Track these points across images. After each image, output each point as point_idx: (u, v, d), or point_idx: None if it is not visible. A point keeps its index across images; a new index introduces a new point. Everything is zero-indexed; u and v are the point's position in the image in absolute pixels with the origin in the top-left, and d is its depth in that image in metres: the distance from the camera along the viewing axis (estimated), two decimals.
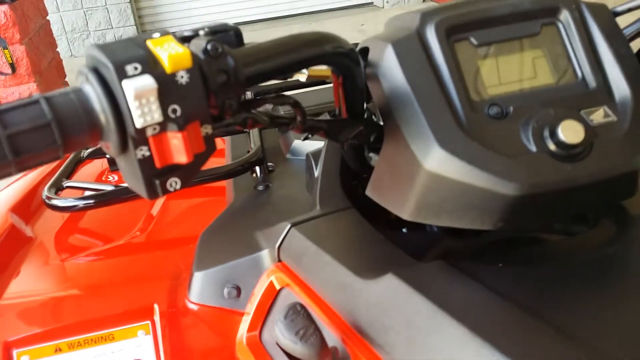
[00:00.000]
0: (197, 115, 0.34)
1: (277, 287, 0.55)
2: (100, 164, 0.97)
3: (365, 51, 0.47)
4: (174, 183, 0.35)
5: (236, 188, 0.77)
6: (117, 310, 0.61)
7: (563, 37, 0.46)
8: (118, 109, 0.32)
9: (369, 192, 0.51)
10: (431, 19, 0.44)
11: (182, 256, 0.67)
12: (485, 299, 0.40)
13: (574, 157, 0.41)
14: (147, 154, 0.33)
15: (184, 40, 0.36)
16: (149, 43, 0.33)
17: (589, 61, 0.45)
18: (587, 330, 0.37)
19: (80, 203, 0.70)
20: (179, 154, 0.33)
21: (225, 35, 0.38)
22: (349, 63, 0.45)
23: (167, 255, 0.72)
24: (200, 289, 0.60)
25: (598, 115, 0.43)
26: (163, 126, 0.33)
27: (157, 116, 0.32)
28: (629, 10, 0.51)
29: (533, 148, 0.41)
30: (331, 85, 0.49)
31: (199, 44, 0.35)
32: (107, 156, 0.82)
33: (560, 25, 0.46)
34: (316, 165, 0.66)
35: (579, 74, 0.45)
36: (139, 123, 0.32)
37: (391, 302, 0.43)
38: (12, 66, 2.94)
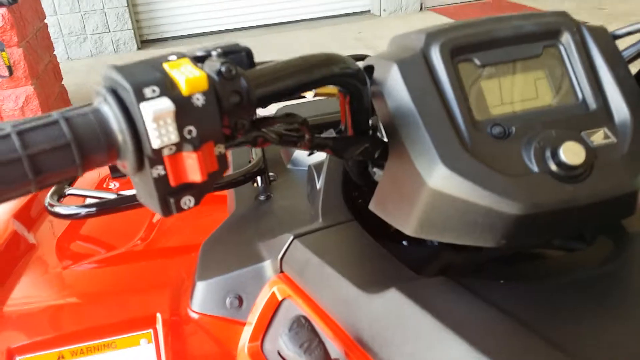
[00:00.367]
0: (211, 136, 0.35)
1: (279, 298, 0.56)
2: (102, 170, 0.98)
3: (370, 69, 0.48)
4: (188, 201, 0.35)
5: (238, 198, 0.77)
6: (120, 319, 0.61)
7: (564, 59, 0.47)
8: (136, 129, 0.33)
9: (372, 207, 0.52)
10: (436, 39, 0.45)
11: (184, 265, 0.68)
12: (487, 316, 0.41)
13: (575, 177, 0.42)
14: (163, 172, 0.34)
15: (197, 60, 0.37)
16: (165, 66, 0.34)
17: (590, 83, 0.46)
18: (586, 348, 0.38)
19: (83, 211, 0.71)
20: (194, 173, 0.34)
21: (237, 56, 0.39)
22: (356, 83, 0.45)
23: (169, 264, 0.73)
24: (203, 298, 0.61)
25: (598, 137, 0.44)
26: (179, 146, 0.34)
27: (174, 137, 0.33)
28: (628, 33, 0.52)
29: (535, 168, 0.42)
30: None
31: (213, 66, 0.36)
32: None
33: (562, 48, 0.47)
34: (318, 177, 0.66)
35: (580, 95, 0.46)
36: (156, 144, 0.33)
37: (394, 317, 0.43)
38: (10, 69, 2.94)
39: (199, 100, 0.34)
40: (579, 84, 0.46)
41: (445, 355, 0.39)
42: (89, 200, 0.76)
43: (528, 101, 0.45)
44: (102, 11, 5.11)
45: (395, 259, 0.51)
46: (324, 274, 0.52)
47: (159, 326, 0.60)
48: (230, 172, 0.79)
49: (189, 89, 0.33)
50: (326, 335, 0.48)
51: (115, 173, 0.85)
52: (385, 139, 0.48)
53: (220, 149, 0.36)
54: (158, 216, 0.82)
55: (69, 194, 0.78)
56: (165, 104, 0.32)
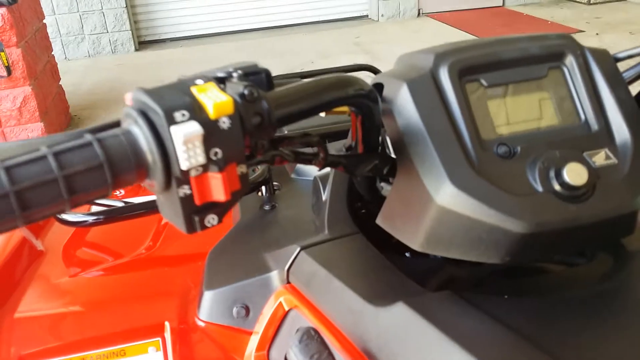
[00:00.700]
0: (235, 157, 0.36)
1: (286, 308, 0.57)
2: None
3: (379, 86, 0.50)
4: (212, 219, 0.37)
5: (242, 207, 0.78)
6: (129, 327, 0.62)
7: (568, 80, 0.48)
8: (165, 151, 0.34)
9: (379, 221, 0.53)
10: (444, 60, 0.47)
11: (190, 273, 0.69)
12: (493, 330, 0.42)
13: (578, 197, 0.43)
14: (189, 192, 0.35)
15: (218, 81, 0.38)
16: (193, 90, 0.35)
17: (592, 104, 0.47)
18: None
19: (90, 218, 0.71)
20: (218, 193, 0.35)
21: (257, 77, 0.40)
22: (368, 103, 0.47)
23: (175, 272, 0.74)
24: (210, 307, 0.62)
25: (600, 158, 0.45)
26: (205, 167, 0.35)
27: (201, 159, 0.34)
28: (629, 57, 0.54)
29: (539, 188, 0.43)
30: None
31: (235, 88, 0.37)
32: None
33: (566, 70, 0.48)
34: (324, 188, 0.67)
35: (582, 116, 0.47)
36: (184, 165, 0.34)
37: (401, 330, 0.45)
38: (8, 69, 2.95)
39: (224, 123, 0.35)
40: (581, 105, 0.48)
41: None
42: (94, 208, 0.77)
43: (532, 121, 0.47)
44: (101, 12, 5.11)
45: (400, 272, 0.52)
46: (331, 285, 0.53)
47: (167, 334, 0.61)
48: None
49: (216, 113, 0.35)
50: (333, 347, 0.49)
51: None
52: (393, 155, 0.49)
53: (242, 168, 0.37)
54: (163, 224, 0.83)
55: None
56: (195, 128, 0.34)
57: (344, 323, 0.50)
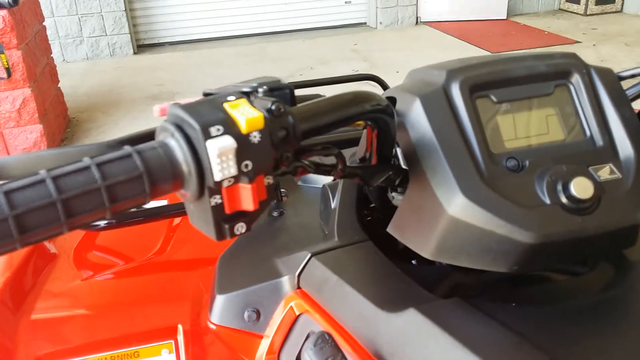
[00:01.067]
0: (264, 169, 0.38)
1: (297, 312, 0.59)
2: None
3: (392, 100, 0.52)
4: (240, 227, 0.39)
5: None
6: (142, 329, 0.64)
7: (574, 97, 0.50)
8: (200, 163, 0.36)
9: (390, 229, 0.55)
10: (456, 77, 0.49)
11: (201, 277, 0.70)
12: (502, 336, 0.44)
13: (584, 210, 0.45)
14: (220, 201, 0.37)
15: (244, 95, 0.40)
16: (226, 106, 0.37)
17: (597, 121, 0.49)
18: None
19: (102, 222, 0.73)
20: (247, 203, 0.37)
21: (282, 93, 0.42)
22: (385, 117, 0.49)
23: (187, 276, 0.75)
24: (222, 311, 0.63)
25: (604, 172, 0.48)
26: (236, 179, 0.37)
27: (233, 171, 0.36)
28: (632, 76, 0.56)
29: (547, 200, 0.46)
30: None
31: (263, 104, 0.39)
32: None
33: (572, 87, 0.51)
34: (333, 196, 0.69)
35: (588, 132, 0.50)
36: (218, 177, 0.36)
37: (413, 335, 0.47)
38: (8, 71, 2.94)
39: (255, 137, 0.37)
40: (587, 121, 0.50)
41: None
42: None
43: (540, 136, 0.49)
44: (100, 15, 5.12)
45: (409, 278, 0.54)
46: (342, 291, 0.54)
47: (180, 337, 0.63)
48: None
49: (248, 128, 0.37)
50: (346, 351, 0.51)
51: None
52: (405, 167, 0.51)
53: (269, 179, 0.39)
54: (172, 229, 0.84)
55: None
56: (229, 142, 0.36)
57: (355, 328, 0.52)
